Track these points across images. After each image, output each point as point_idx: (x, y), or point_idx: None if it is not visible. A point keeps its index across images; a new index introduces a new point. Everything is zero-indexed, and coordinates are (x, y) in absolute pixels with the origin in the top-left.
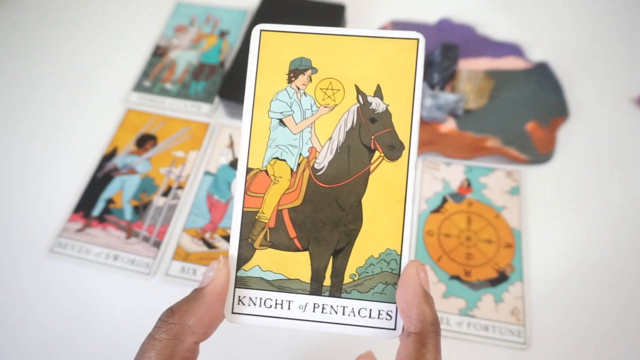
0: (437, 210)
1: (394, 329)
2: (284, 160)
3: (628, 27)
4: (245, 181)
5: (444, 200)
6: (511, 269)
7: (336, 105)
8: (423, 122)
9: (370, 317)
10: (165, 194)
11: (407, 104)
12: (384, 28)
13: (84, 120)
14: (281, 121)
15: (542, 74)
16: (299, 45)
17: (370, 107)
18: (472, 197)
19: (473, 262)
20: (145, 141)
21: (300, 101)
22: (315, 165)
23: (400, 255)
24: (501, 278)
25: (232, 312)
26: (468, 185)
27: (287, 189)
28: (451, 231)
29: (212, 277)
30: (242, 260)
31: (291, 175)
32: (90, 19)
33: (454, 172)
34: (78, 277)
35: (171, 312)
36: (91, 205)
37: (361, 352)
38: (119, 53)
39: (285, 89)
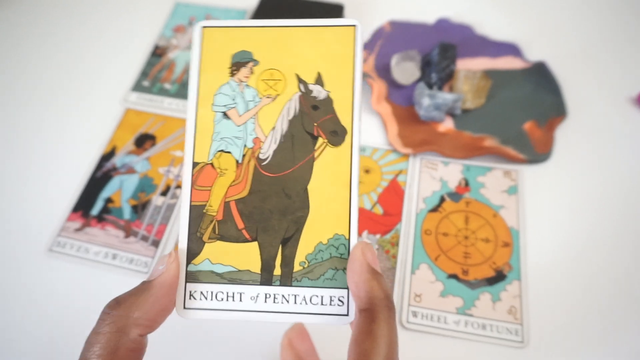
0: (435, 210)
1: (347, 315)
2: (229, 152)
3: (626, 27)
4: (192, 175)
5: (442, 200)
6: (509, 267)
7: (278, 95)
8: (421, 122)
9: (322, 304)
10: (164, 193)
11: (348, 89)
12: (382, 28)
13: (83, 119)
14: (225, 114)
15: (540, 74)
16: (241, 39)
17: (312, 95)
18: (470, 197)
19: (471, 261)
20: (144, 141)
21: (243, 93)
22: (260, 156)
23: (349, 239)
24: (499, 277)
25: (184, 308)
26: (466, 184)
27: (233, 181)
28: (449, 230)
29: (161, 270)
30: (191, 254)
31: (237, 166)
32: (89, 19)
33: (451, 172)
34: (77, 276)
35: (116, 303)
36: (90, 205)
37: (316, 338)
38: (118, 53)
39: (228, 82)
